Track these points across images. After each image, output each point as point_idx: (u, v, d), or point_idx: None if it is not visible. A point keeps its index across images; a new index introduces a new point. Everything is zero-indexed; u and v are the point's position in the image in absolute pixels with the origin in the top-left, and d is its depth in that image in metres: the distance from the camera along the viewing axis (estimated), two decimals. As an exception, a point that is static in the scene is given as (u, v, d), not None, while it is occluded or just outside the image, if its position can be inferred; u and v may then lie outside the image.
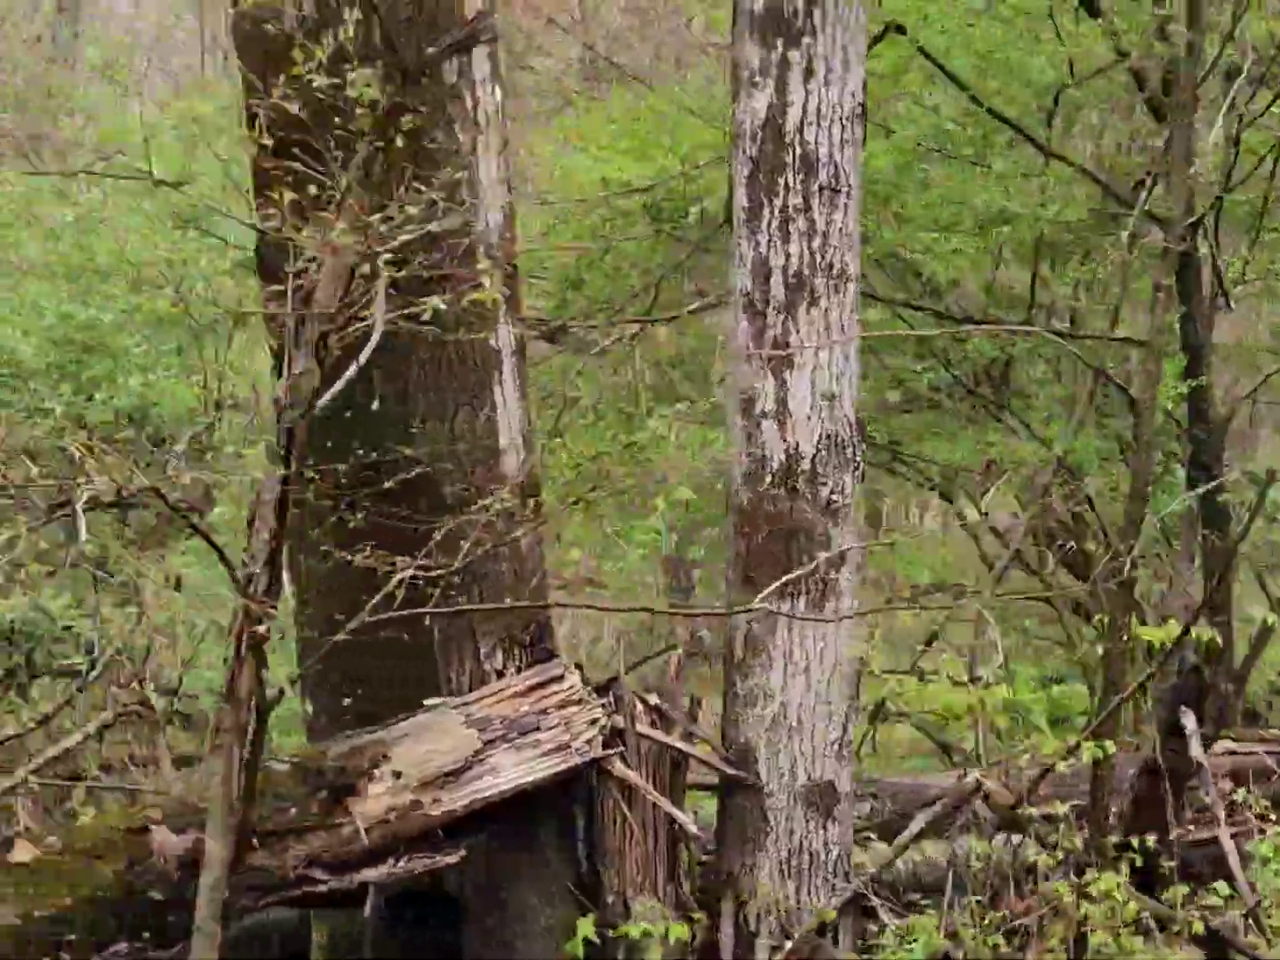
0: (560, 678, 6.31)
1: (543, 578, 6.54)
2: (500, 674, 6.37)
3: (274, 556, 5.25)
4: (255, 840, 5.71)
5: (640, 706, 6.39)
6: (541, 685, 6.29)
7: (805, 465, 6.21)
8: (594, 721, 6.27)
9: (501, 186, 6.30)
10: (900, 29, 9.59)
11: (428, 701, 6.30)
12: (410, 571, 5.58)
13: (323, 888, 5.91)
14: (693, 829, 6.38)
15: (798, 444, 6.20)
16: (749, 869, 6.32)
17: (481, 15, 4.68)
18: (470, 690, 6.35)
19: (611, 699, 6.35)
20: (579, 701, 6.28)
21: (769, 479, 6.23)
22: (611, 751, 6.29)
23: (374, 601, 5.53)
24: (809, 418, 6.19)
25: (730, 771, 6.34)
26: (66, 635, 9.13)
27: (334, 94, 5.66)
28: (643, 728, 6.35)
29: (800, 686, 6.27)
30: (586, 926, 6.10)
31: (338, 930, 6.77)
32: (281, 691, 5.57)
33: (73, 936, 5.65)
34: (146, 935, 5.74)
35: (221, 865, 5.48)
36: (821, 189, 6.10)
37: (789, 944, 6.18)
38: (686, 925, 6.09)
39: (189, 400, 9.61)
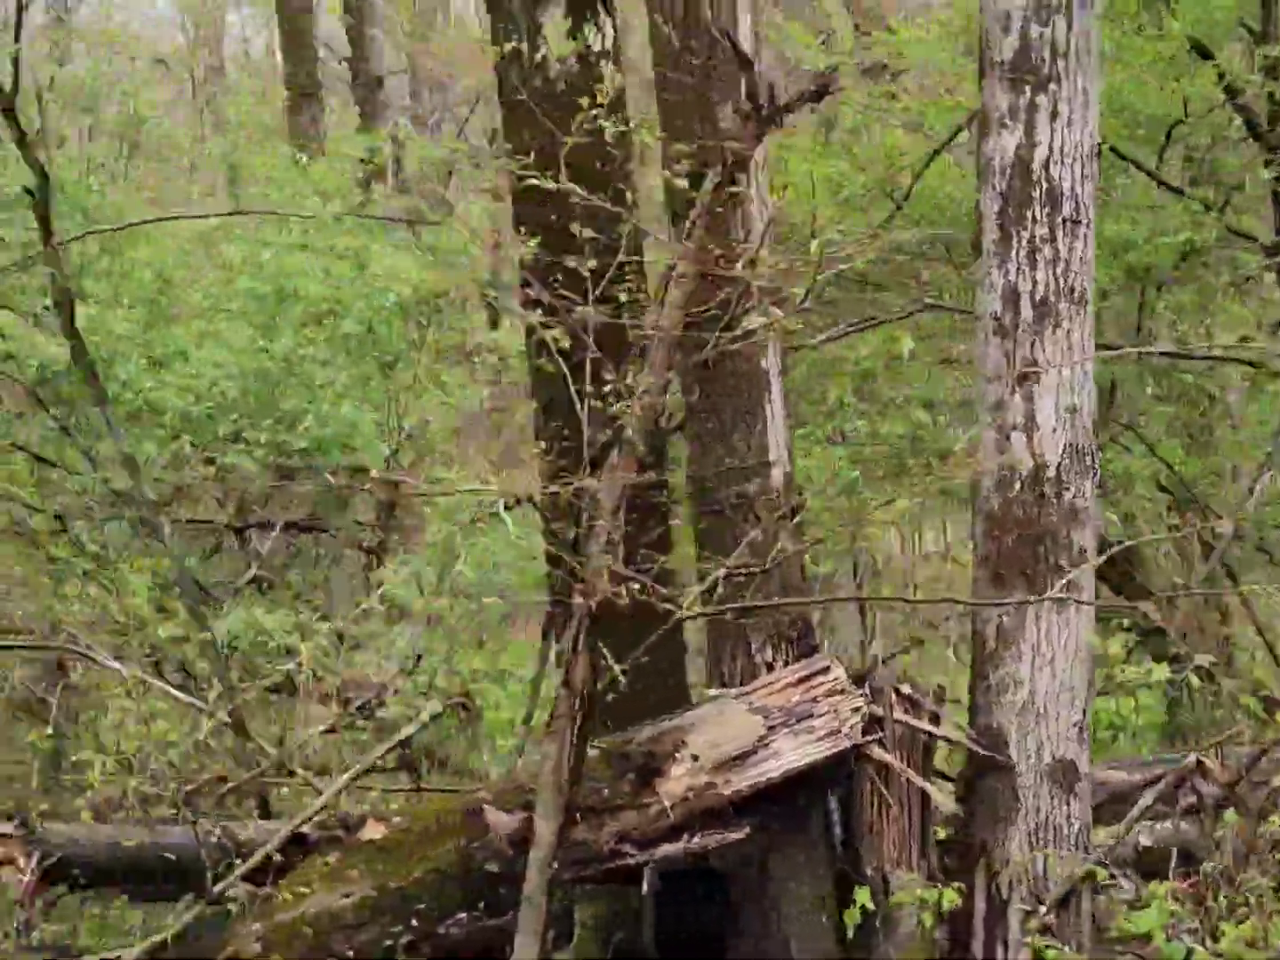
0: (826, 669, 6.87)
1: (804, 580, 7.13)
2: (770, 667, 6.95)
3: (624, 557, 5.83)
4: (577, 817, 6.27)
5: (895, 696, 6.97)
6: (810, 677, 6.85)
7: (1051, 473, 6.78)
8: (856, 709, 6.84)
9: (768, 221, 6.90)
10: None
11: (710, 691, 6.89)
12: (724, 571, 6.18)
13: (631, 861, 6.48)
14: (949, 807, 6.96)
15: (1044, 454, 6.78)
16: (1000, 842, 6.85)
17: (833, 71, 5.28)
18: (742, 683, 6.94)
19: (868, 689, 6.93)
20: (843, 691, 6.83)
21: (1018, 486, 6.82)
22: (872, 737, 6.85)
23: (694, 596, 6.13)
24: (1054, 429, 6.76)
25: (983, 753, 6.89)
26: (268, 650, 9.65)
27: (611, 140, 6.30)
28: (899, 715, 6.93)
29: (1046, 675, 6.81)
30: (864, 895, 6.64)
31: (606, 909, 7.33)
32: (613, 680, 6.14)
33: (420, 906, 6.21)
34: (481, 906, 6.30)
35: (550, 843, 6.03)
36: (1064, 221, 6.70)
37: (1042, 909, 6.74)
38: (955, 892, 6.63)
39: (372, 429, 10.15)
